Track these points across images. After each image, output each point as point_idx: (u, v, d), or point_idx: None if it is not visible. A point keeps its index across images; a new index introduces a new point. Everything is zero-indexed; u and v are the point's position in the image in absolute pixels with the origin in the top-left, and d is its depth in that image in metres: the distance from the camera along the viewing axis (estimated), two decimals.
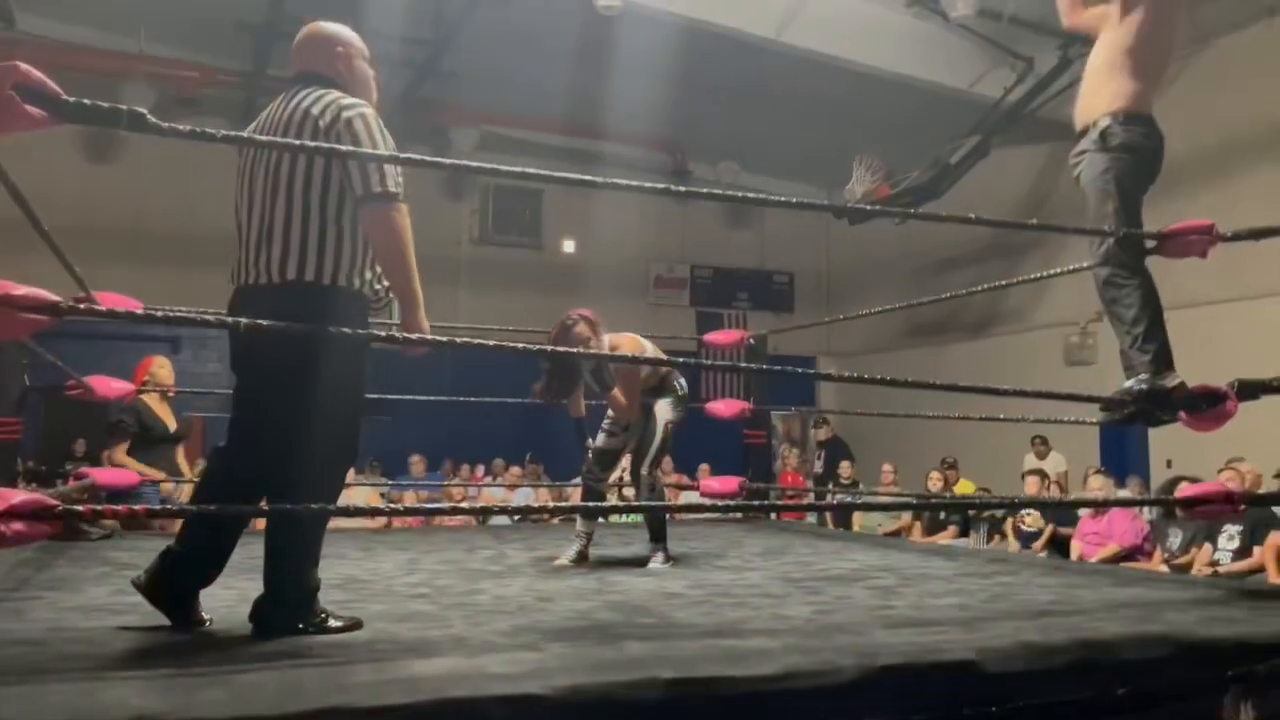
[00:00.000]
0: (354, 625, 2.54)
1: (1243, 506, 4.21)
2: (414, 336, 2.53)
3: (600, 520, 6.13)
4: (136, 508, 2.33)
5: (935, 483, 8.73)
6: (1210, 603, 3.04)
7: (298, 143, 2.45)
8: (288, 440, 2.50)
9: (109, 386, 4.46)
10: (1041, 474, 8.27)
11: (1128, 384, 3.24)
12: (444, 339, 2.71)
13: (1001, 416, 4.74)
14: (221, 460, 2.66)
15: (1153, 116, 3.39)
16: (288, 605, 2.50)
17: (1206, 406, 3.09)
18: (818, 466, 11.46)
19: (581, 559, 4.23)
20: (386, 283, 2.65)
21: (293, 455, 2.50)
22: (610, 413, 4.53)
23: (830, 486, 10.03)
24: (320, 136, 2.46)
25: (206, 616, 2.61)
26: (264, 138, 2.45)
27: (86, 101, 2.14)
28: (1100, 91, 3.38)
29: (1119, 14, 3.38)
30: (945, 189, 10.25)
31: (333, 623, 2.51)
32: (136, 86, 9.70)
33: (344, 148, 2.45)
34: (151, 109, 2.23)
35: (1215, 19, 9.28)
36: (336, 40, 2.73)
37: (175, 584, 2.55)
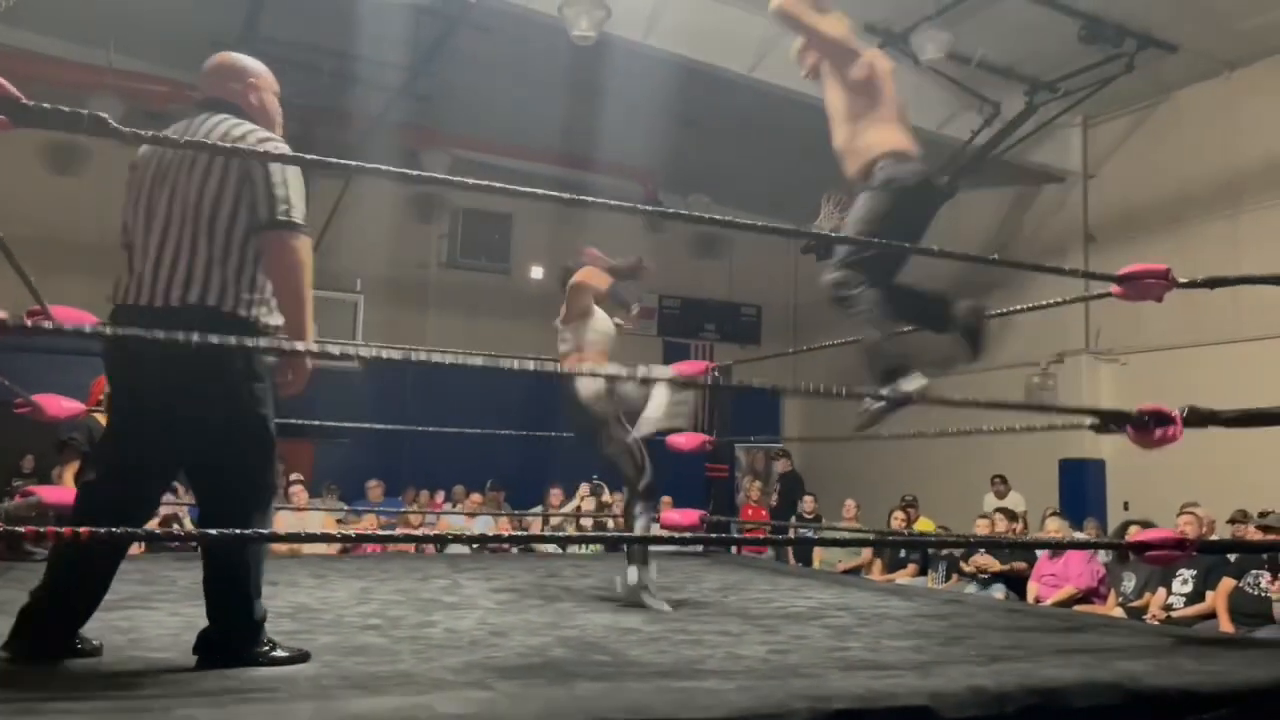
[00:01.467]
0: (301, 657, 2.49)
1: (1195, 552, 4.26)
2: (301, 350, 2.46)
3: (560, 550, 6.10)
4: (80, 530, 2.25)
5: (897, 520, 8.76)
6: (1160, 650, 3.06)
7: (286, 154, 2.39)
8: (206, 471, 2.48)
9: (59, 405, 4.36)
10: (1009, 513, 8.26)
11: (867, 403, 3.32)
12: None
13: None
14: (100, 491, 2.49)
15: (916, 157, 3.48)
16: (234, 636, 2.45)
17: (1152, 424, 3.13)
18: (773, 500, 11.46)
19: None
20: (280, 321, 2.56)
21: (216, 485, 2.47)
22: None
23: (792, 520, 10.03)
24: (233, 165, 2.44)
25: (95, 641, 2.54)
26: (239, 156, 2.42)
27: (46, 105, 2.12)
28: (863, 137, 3.52)
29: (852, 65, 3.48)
30: None
31: (279, 653, 2.47)
32: (104, 99, 9.58)
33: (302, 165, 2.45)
34: (119, 121, 2.20)
35: (1174, 72, 9.50)
36: (249, 72, 2.72)
37: (44, 631, 2.43)
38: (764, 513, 10.38)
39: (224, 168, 2.46)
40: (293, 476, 9.47)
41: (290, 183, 2.48)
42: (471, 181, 2.72)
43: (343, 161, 2.55)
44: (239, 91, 2.67)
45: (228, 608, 2.46)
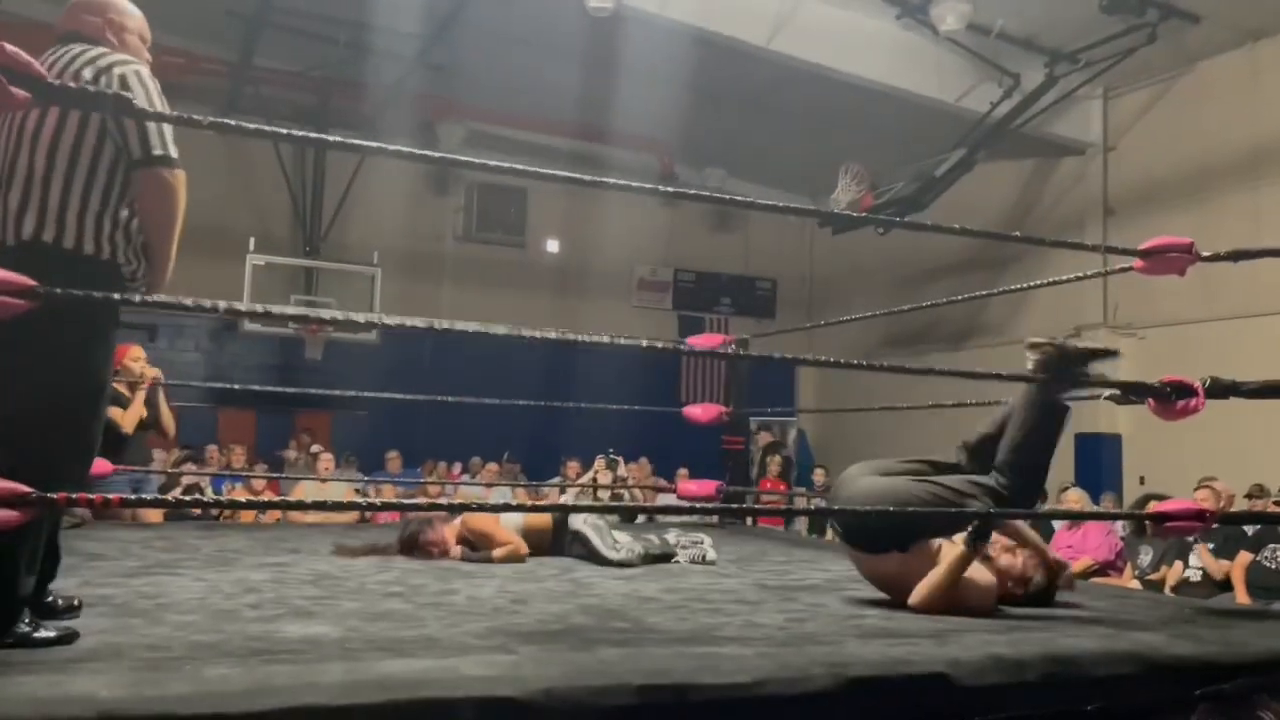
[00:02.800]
0: (69, 636, 2.24)
1: (1215, 525, 4.25)
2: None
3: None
4: (110, 496, 2.29)
5: None
6: (1179, 621, 3.07)
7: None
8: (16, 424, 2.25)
9: None
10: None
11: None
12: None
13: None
14: None
15: None
16: None
17: (1174, 396, 3.11)
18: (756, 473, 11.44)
19: None
20: (138, 262, 2.45)
21: (17, 442, 2.21)
22: None
23: (805, 492, 10.05)
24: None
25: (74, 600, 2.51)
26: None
27: (71, 84, 2.13)
28: None
29: None
30: (929, 201, 10.30)
31: (42, 633, 2.19)
32: None
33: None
34: None
35: (1196, 43, 9.37)
36: (110, 7, 2.58)
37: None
38: (783, 486, 10.38)
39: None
40: (314, 447, 9.56)
41: (155, 108, 2.38)
42: (492, 163, 2.73)
43: (358, 142, 2.57)
44: (95, 25, 2.52)
45: None
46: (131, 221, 2.40)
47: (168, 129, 2.38)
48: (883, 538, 3.17)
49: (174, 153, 2.39)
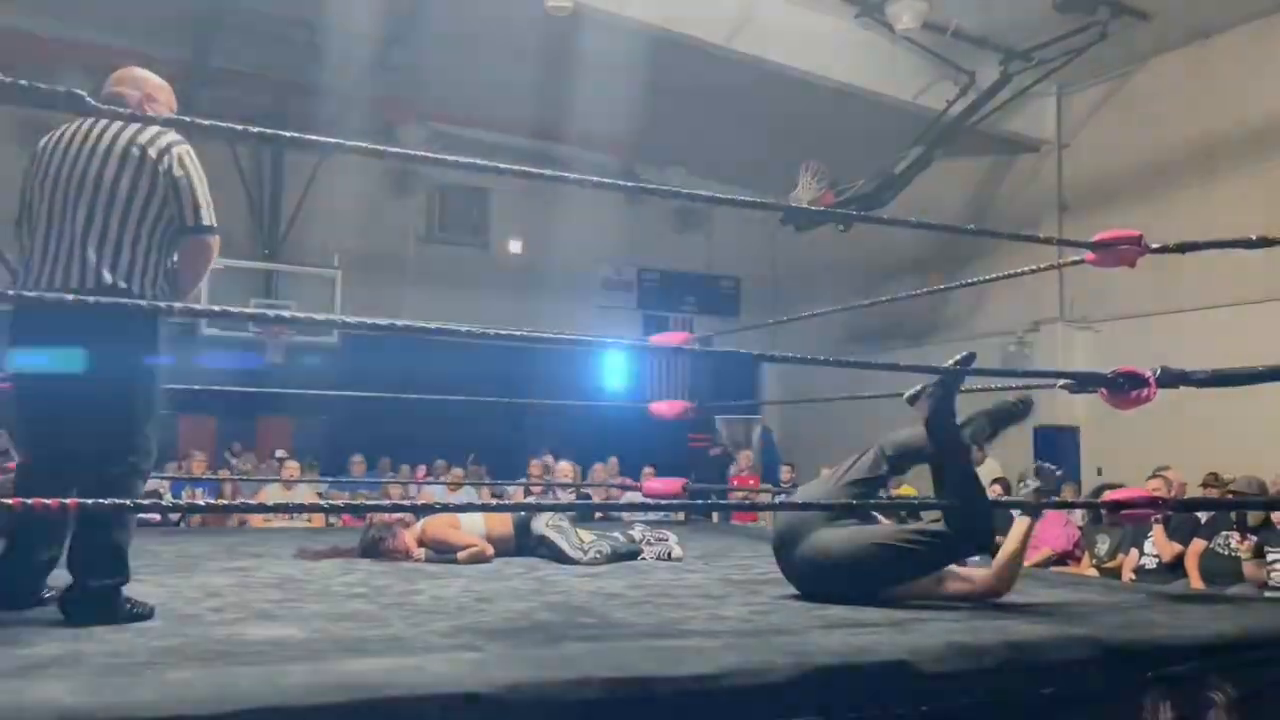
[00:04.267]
0: (150, 611, 2.72)
1: (1169, 511, 4.34)
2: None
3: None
4: (67, 501, 2.27)
5: None
6: (1133, 607, 3.14)
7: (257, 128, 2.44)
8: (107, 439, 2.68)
9: None
10: (1004, 483, 8.26)
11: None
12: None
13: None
14: (34, 474, 2.76)
15: None
16: (102, 593, 2.63)
17: (1127, 386, 3.18)
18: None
19: None
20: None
21: (107, 456, 2.68)
22: None
23: (770, 488, 10.10)
24: (150, 164, 2.75)
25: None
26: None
27: (23, 82, 2.11)
28: None
29: None
30: (889, 199, 10.39)
31: (137, 609, 2.69)
32: (72, 73, 9.42)
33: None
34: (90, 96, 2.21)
35: (1147, 40, 9.54)
36: (149, 83, 3.05)
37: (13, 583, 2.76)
38: (753, 481, 10.42)
39: (139, 163, 2.74)
40: (278, 453, 9.47)
41: (204, 186, 2.84)
42: (452, 159, 2.73)
43: (319, 139, 2.58)
44: (135, 98, 2.94)
45: (104, 567, 2.65)
46: (171, 269, 2.87)
47: (211, 202, 2.85)
48: (849, 597, 3.13)
49: (215, 222, 2.86)
